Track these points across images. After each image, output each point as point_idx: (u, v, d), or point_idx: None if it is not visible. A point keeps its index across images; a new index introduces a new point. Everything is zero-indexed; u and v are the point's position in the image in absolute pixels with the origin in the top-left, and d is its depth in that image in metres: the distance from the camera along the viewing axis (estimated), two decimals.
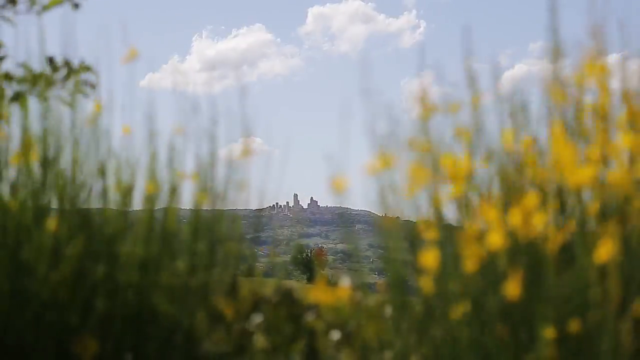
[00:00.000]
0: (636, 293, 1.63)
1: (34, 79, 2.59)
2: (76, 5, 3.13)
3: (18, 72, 2.83)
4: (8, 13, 3.01)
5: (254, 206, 2.90)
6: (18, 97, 2.54)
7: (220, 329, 2.65)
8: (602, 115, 1.68)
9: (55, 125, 2.40)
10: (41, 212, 2.32)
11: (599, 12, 1.68)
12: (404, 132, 1.77)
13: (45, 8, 3.05)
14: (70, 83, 2.73)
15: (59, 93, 2.60)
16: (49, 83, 2.55)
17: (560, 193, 1.68)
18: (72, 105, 2.47)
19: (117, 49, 2.57)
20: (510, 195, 1.70)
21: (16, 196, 2.32)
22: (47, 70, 2.70)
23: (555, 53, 1.73)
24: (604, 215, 1.64)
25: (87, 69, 2.84)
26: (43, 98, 2.42)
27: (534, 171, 1.77)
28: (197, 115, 2.79)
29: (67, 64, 2.66)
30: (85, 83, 2.81)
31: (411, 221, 1.77)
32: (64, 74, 2.69)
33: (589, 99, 1.76)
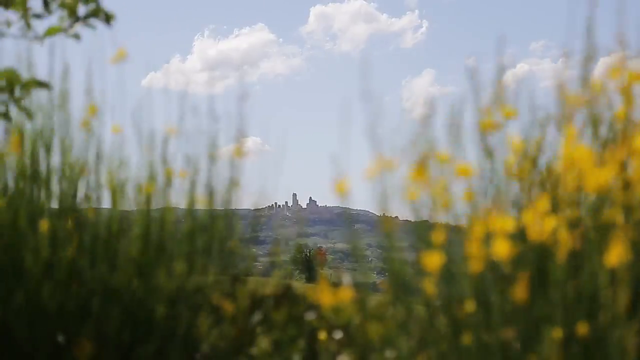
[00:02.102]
0: None
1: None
2: (77, 36, 3.05)
3: None
4: None
5: (252, 206, 2.88)
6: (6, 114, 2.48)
7: (219, 329, 2.63)
8: (625, 119, 1.66)
9: (48, 125, 2.38)
10: (36, 214, 2.29)
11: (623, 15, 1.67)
12: (404, 133, 1.75)
13: (43, 37, 2.96)
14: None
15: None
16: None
17: (573, 196, 1.65)
18: (7, 117, 2.41)
19: (112, 49, 2.55)
20: (522, 197, 1.67)
21: (9, 197, 2.30)
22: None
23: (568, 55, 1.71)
24: (616, 218, 1.62)
25: (35, 83, 2.71)
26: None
27: (547, 173, 1.75)
28: (196, 115, 2.77)
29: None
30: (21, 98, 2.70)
31: (412, 221, 1.75)
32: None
33: (607, 102, 1.74)
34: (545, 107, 1.96)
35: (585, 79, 1.77)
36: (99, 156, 2.49)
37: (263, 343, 2.60)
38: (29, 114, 2.33)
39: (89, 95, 2.47)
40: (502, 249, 1.49)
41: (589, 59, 1.77)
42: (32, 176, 2.34)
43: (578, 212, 1.68)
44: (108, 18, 2.61)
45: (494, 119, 1.79)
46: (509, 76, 1.78)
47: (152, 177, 2.61)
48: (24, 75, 2.51)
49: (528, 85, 1.92)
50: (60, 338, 2.32)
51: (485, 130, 1.79)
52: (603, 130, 1.76)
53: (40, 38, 2.81)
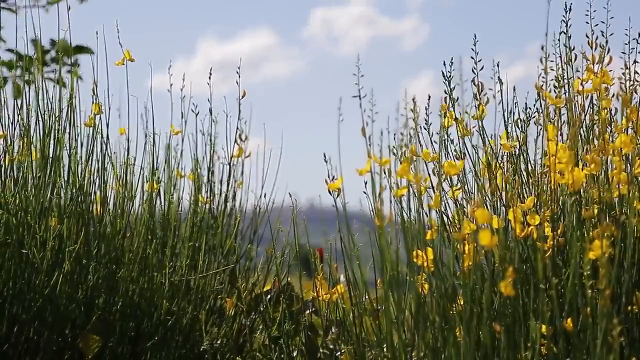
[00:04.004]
0: (630, 289, 1.67)
1: (22, 61, 2.59)
2: None
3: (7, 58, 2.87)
4: (11, 5, 3.05)
5: (254, 205, 2.94)
6: (5, 82, 2.55)
7: (219, 325, 2.68)
8: (602, 119, 1.72)
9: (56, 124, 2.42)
10: (44, 210, 2.35)
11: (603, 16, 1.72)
12: (397, 133, 1.80)
13: (51, 2, 3.07)
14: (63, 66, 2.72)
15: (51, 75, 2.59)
16: (38, 64, 2.55)
17: (556, 193, 1.71)
18: (62, 83, 2.49)
19: (118, 50, 2.60)
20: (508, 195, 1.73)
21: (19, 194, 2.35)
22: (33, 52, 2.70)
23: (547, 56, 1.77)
24: (598, 214, 1.68)
25: (80, 49, 2.83)
26: (28, 81, 2.43)
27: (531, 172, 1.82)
28: (199, 116, 2.83)
29: (53, 44, 2.67)
30: (76, 64, 2.81)
31: (406, 220, 1.81)
32: (52, 56, 2.69)
33: (586, 102, 1.81)
34: (535, 107, 2.02)
35: (563, 80, 1.83)
36: (105, 155, 2.54)
37: (262, 339, 2.65)
38: (80, 78, 2.42)
39: (94, 96, 2.52)
40: (486, 239, 1.55)
41: (567, 60, 1.84)
42: (42, 174, 2.39)
43: (561, 209, 1.75)
44: None
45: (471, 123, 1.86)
46: (504, 78, 1.83)
47: (156, 177, 2.67)
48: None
49: (522, 86, 1.99)
50: (67, 331, 2.38)
51: (464, 133, 1.85)
52: (582, 130, 1.83)
53: (50, 3, 2.93)
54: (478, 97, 1.77)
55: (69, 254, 2.30)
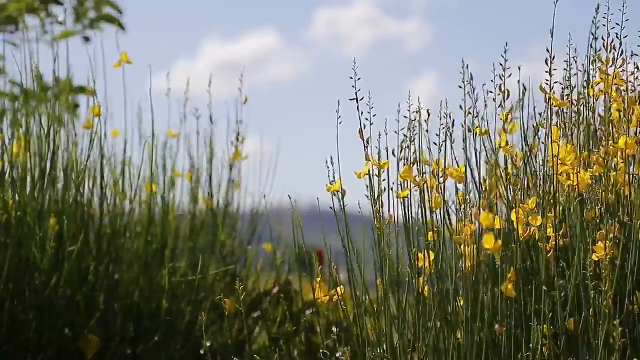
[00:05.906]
0: (632, 290, 1.67)
1: (25, 96, 2.61)
2: (87, 39, 3.19)
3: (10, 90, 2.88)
4: (16, 39, 3.06)
5: (254, 205, 2.95)
6: (4, 113, 2.57)
7: (220, 326, 2.68)
8: (608, 120, 1.72)
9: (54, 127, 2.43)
10: (43, 211, 2.35)
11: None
12: (400, 135, 1.80)
13: (57, 39, 3.09)
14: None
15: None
16: (40, 99, 2.56)
17: (559, 195, 1.72)
18: (60, 120, 2.49)
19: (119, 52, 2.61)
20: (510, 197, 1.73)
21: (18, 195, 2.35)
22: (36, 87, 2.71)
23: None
24: (601, 215, 1.68)
25: (81, 90, 2.85)
26: (30, 115, 2.44)
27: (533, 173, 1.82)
28: (201, 118, 2.83)
29: (57, 81, 2.68)
30: (76, 105, 2.83)
31: (407, 221, 1.81)
32: (55, 92, 2.70)
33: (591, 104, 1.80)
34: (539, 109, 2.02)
35: (570, 82, 1.83)
36: (103, 156, 2.55)
37: (262, 339, 2.66)
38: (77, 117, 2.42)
39: (94, 97, 2.52)
40: (489, 242, 1.55)
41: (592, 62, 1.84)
42: (40, 175, 2.39)
43: (564, 211, 1.75)
44: (121, 26, 2.76)
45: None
46: (510, 79, 1.82)
47: (155, 178, 2.67)
48: None
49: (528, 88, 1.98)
50: (68, 332, 2.38)
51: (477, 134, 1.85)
52: (588, 132, 1.82)
53: (55, 40, 2.95)
54: (503, 104, 1.78)
55: (69, 254, 2.31)
